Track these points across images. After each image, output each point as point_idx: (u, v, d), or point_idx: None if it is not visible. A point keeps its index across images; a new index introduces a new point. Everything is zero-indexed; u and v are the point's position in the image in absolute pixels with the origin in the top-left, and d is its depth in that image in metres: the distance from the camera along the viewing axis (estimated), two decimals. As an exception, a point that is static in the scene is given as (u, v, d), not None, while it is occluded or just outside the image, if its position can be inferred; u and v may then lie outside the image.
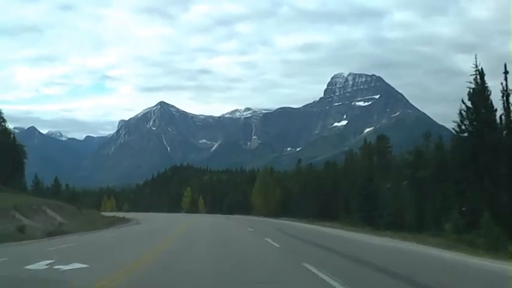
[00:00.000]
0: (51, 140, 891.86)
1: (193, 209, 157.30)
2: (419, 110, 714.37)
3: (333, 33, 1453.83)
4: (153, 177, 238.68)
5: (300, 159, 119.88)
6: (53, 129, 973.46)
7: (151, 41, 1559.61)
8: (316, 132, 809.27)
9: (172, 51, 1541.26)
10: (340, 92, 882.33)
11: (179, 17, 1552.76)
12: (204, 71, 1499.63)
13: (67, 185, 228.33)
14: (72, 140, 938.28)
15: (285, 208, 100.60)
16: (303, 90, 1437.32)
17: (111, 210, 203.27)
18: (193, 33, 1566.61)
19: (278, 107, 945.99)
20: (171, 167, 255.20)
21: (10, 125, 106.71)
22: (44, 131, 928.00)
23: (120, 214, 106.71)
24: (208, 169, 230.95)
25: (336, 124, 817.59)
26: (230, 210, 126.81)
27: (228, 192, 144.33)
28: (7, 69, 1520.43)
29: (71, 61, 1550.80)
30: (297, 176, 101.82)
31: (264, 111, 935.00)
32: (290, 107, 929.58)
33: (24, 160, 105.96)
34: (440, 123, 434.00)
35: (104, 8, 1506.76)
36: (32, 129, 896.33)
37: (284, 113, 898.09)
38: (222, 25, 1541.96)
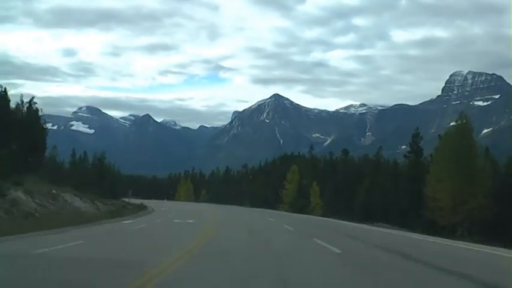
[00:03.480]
0: (166, 128, 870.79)
1: (300, 203, 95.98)
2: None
3: (452, 28, 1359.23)
4: (260, 166, 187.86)
5: None
6: (168, 118, 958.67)
7: (267, 32, 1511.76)
8: (432, 131, 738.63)
9: (287, 43, 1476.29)
10: (459, 90, 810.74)
11: (295, 8, 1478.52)
12: (319, 64, 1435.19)
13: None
14: (186, 129, 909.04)
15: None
16: (420, 87, 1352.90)
17: (186, 198, 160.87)
18: (309, 25, 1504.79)
19: (393, 103, 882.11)
20: (280, 156, 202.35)
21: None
22: (158, 120, 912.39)
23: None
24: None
25: (453, 123, 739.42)
26: (366, 211, 67.51)
27: (366, 175, 76.98)
28: (125, 57, 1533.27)
29: (186, 50, 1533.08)
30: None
31: (379, 108, 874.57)
32: (406, 104, 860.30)
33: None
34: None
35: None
36: (147, 117, 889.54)
37: (400, 110, 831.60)
38: (338, 17, 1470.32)
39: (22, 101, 72.45)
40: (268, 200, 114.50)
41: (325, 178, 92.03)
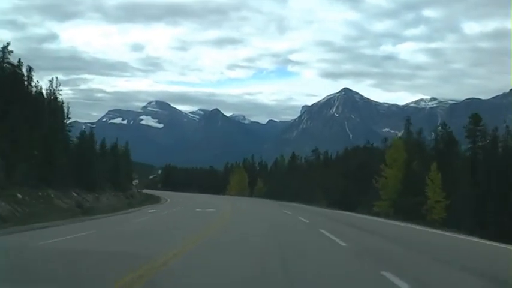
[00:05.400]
0: (234, 122, 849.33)
1: (409, 201, 56.85)
2: None
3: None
4: (330, 157, 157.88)
5: None
6: (237, 113, 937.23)
7: (335, 25, 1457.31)
8: (505, 125, 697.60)
9: (357, 36, 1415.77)
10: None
11: (364, 0, 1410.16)
12: (389, 58, 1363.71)
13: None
14: (255, 124, 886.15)
15: None
16: (492, 81, 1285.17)
17: (239, 192, 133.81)
18: (378, 17, 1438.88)
19: (465, 97, 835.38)
20: (352, 148, 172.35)
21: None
22: (227, 114, 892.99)
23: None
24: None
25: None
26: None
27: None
28: (192, 51, 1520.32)
29: (254, 44, 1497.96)
30: None
31: (450, 102, 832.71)
32: (478, 98, 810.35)
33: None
34: None
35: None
36: (216, 112, 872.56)
37: (472, 104, 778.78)
38: (408, 9, 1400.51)
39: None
40: (350, 197, 77.23)
41: (445, 164, 56.28)
